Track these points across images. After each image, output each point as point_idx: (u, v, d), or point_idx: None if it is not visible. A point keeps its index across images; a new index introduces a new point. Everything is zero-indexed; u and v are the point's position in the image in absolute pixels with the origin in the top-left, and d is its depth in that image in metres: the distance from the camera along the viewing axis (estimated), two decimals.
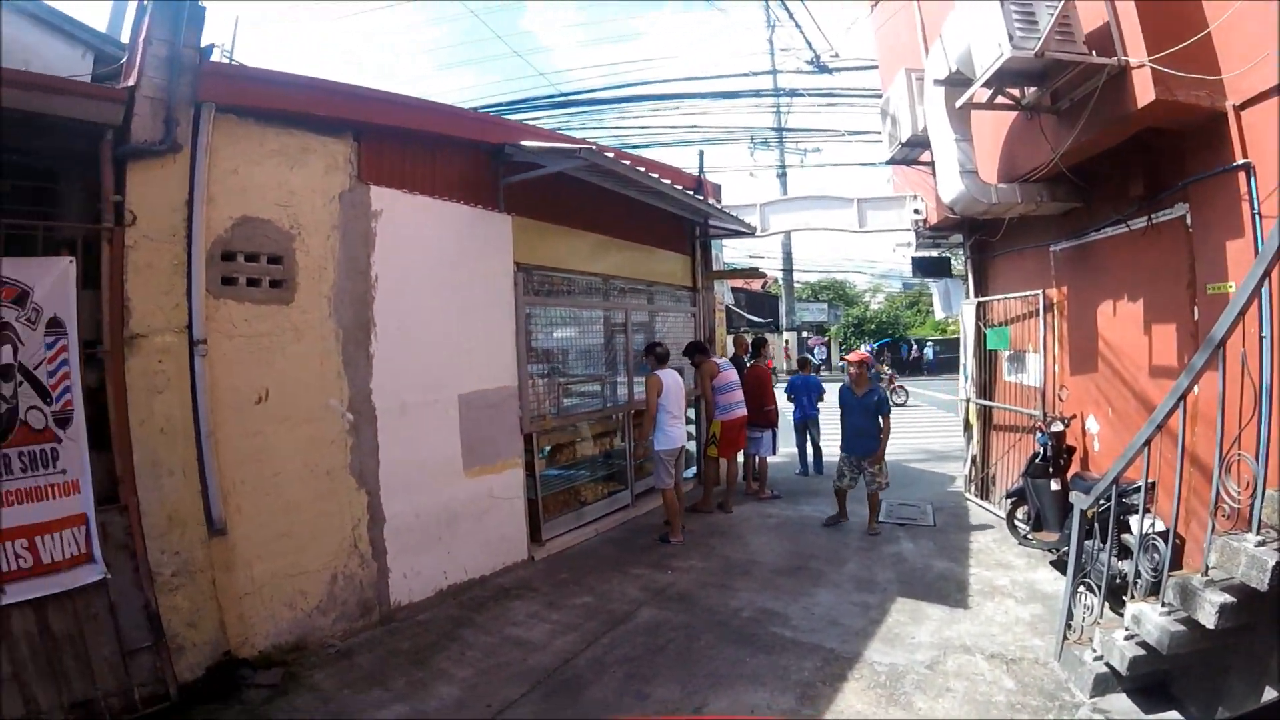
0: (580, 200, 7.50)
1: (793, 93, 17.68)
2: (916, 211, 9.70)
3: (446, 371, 6.02)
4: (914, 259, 11.68)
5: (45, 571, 3.88)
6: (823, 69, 15.51)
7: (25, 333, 3.85)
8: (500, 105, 13.92)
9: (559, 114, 14.65)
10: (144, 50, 4.31)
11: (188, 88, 4.45)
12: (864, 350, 10.11)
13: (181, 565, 4.39)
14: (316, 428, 5.09)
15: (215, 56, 5.36)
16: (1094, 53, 5.08)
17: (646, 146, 15.15)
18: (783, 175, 26.85)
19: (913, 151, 8.40)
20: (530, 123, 10.89)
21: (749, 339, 10.63)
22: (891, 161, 9.28)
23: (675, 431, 7.61)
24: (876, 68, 11.67)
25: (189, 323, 4.44)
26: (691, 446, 9.37)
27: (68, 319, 3.97)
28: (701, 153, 11.23)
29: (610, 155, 6.59)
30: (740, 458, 9.43)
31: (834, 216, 10.40)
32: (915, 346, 38.34)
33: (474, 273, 6.31)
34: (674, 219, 9.40)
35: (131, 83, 4.30)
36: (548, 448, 7.47)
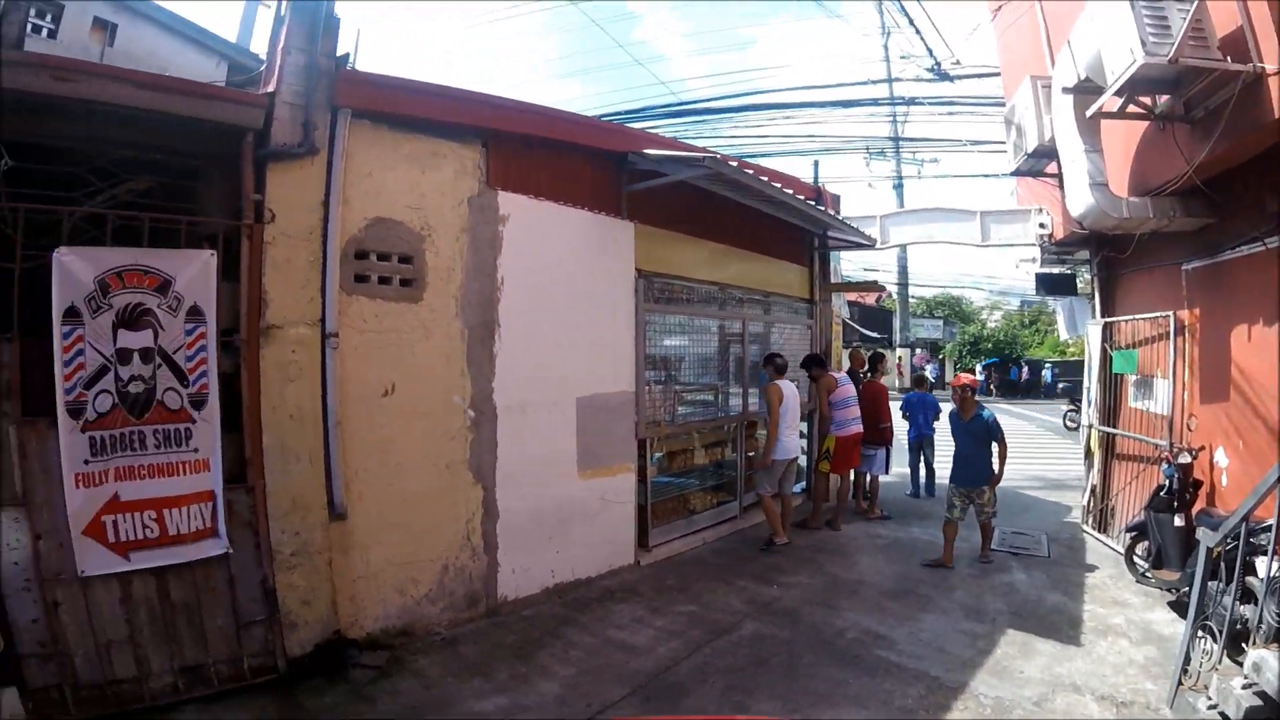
0: (700, 208, 7.27)
1: (911, 101, 16.86)
2: (1042, 226, 8.98)
3: (566, 374, 5.93)
4: (1038, 275, 10.82)
5: (170, 542, 4.01)
6: (943, 76, 14.58)
7: (166, 319, 3.99)
8: (616, 114, 13.77)
9: (675, 123, 14.38)
10: (283, 59, 4.45)
11: (324, 94, 4.56)
12: (971, 373, 9.32)
13: (301, 546, 4.46)
14: (439, 422, 5.11)
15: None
16: (1228, 59, 4.61)
17: (762, 156, 14.71)
18: (899, 186, 25.74)
19: (1039, 162, 7.86)
20: (646, 131, 10.69)
21: (865, 354, 10.08)
22: (1017, 173, 8.66)
23: (788, 441, 7.36)
24: (999, 75, 10.91)
25: (322, 317, 4.52)
26: (803, 461, 8.95)
27: (207, 308, 4.10)
28: (816, 162, 10.83)
29: (734, 164, 6.37)
30: (851, 475, 8.93)
31: (956, 230, 9.76)
32: (1026, 368, 35.68)
33: (596, 278, 6.20)
34: (792, 229, 9.03)
35: (271, 89, 4.43)
36: (659, 454, 7.26)
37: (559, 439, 5.90)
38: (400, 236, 4.92)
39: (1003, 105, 8.76)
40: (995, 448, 6.93)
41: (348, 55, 4.79)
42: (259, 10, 9.47)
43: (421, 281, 5.02)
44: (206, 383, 4.09)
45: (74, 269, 3.77)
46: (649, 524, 6.85)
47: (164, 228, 4.10)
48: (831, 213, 8.89)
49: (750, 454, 8.04)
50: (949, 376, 34.43)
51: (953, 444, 7.17)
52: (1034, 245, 9.37)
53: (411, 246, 4.97)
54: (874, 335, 30.93)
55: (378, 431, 4.80)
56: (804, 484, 9.38)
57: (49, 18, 6.14)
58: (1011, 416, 22.05)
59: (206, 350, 4.09)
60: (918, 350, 36.95)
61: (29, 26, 5.79)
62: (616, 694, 4.33)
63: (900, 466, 10.64)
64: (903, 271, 29.40)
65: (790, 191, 7.22)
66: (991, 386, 32.47)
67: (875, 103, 16.83)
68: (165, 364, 3.99)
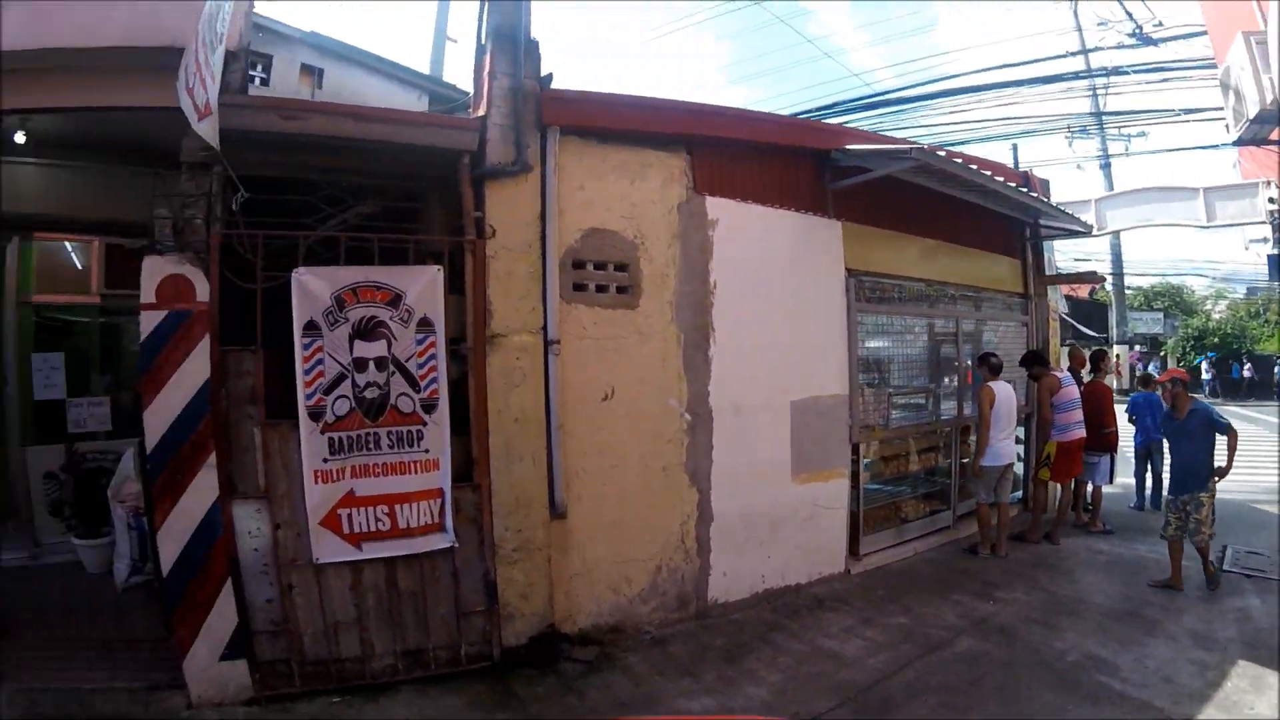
0: (905, 203, 6.76)
1: (1114, 70, 14.64)
2: (1271, 200, 7.52)
3: (780, 376, 5.69)
4: (1271, 257, 9.09)
5: (400, 535, 4.21)
6: (1145, 40, 12.62)
7: (398, 330, 4.20)
8: (805, 112, 13.06)
9: (866, 116, 13.42)
10: (490, 84, 4.59)
11: (532, 114, 4.66)
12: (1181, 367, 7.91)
13: (522, 542, 4.54)
14: (656, 425, 5.07)
15: None
16: None
17: (958, 144, 13.42)
18: (1106, 166, 22.58)
19: (1263, 129, 6.79)
20: (843, 126, 10.09)
21: (1085, 352, 8.94)
22: (1239, 143, 7.35)
23: (1003, 447, 6.68)
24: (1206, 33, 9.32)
25: (544, 325, 4.61)
26: (1020, 468, 8.03)
27: (436, 319, 4.27)
28: (1015, 146, 9.71)
29: (941, 154, 5.90)
30: (1072, 485, 7.96)
31: (1177, 210, 8.54)
32: (1250, 365, 30.10)
33: (805, 279, 5.90)
34: (1001, 220, 8.20)
35: (482, 112, 4.59)
36: (871, 459, 6.79)
37: (773, 442, 5.65)
38: (614, 245, 4.93)
39: (1214, 68, 7.45)
40: (1221, 440, 5.86)
41: (550, 75, 4.86)
42: (447, 45, 10.13)
43: (637, 288, 5.00)
44: (437, 388, 4.26)
45: (312, 287, 4.04)
46: (860, 531, 6.41)
47: (391, 247, 4.31)
48: (1043, 199, 8.02)
49: (964, 460, 7.34)
50: None
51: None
52: (1265, 223, 7.91)
53: (626, 254, 4.97)
54: (1090, 333, 27.50)
55: (597, 434, 4.83)
56: (1020, 493, 8.44)
57: (259, 67, 6.73)
58: (1237, 420, 18.91)
59: (436, 358, 4.26)
60: (1135, 347, 32.46)
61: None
62: (825, 704, 4.12)
63: (1125, 476, 9.32)
64: (1117, 260, 25.96)
65: (1000, 179, 6.57)
66: (1211, 385, 28.08)
67: (1075, 76, 14.84)
68: (399, 371, 4.19)
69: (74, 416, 6.32)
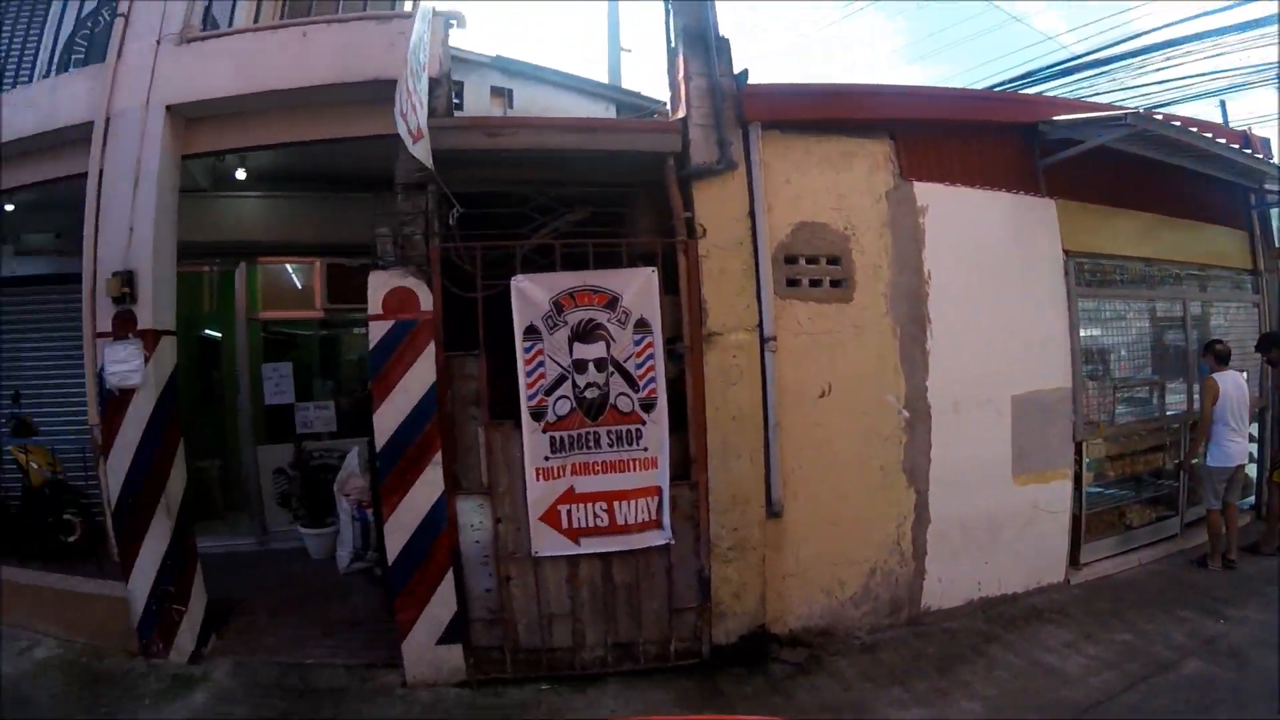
0: (1117, 175, 5.96)
1: None
2: None
3: (998, 369, 5.18)
4: None
5: (617, 531, 4.22)
6: None
7: (616, 331, 4.19)
8: (997, 85, 11.93)
9: (1061, 84, 12.04)
10: (685, 85, 4.53)
11: (732, 111, 4.56)
12: None
13: (738, 541, 4.41)
14: (872, 422, 4.77)
15: None
16: None
17: (1163, 105, 11.80)
18: None
19: None
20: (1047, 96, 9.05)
21: None
22: None
23: (1232, 446, 5.80)
24: None
25: (759, 322, 4.47)
26: (1252, 470, 6.92)
27: (652, 319, 4.24)
28: (1222, 103, 8.39)
29: (1158, 118, 5.21)
30: None
31: None
32: None
33: (1019, 264, 5.35)
34: (1222, 187, 7.09)
35: (681, 114, 4.55)
36: (1092, 460, 6.04)
37: (992, 440, 5.15)
38: (825, 238, 4.68)
39: None
40: None
41: (746, 72, 4.69)
42: (621, 55, 10.08)
43: (850, 281, 4.72)
44: (655, 388, 4.22)
45: (530, 293, 4.13)
46: (1081, 538, 5.75)
47: (603, 251, 4.30)
48: (1269, 160, 6.86)
49: (1194, 460, 6.43)
50: None
51: None
52: None
53: (837, 247, 4.71)
54: None
55: (814, 431, 4.61)
56: (1253, 498, 7.32)
57: (452, 93, 6.92)
58: None
59: (654, 358, 4.21)
60: None
61: None
62: None
63: None
64: None
65: (1223, 141, 5.76)
66: None
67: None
68: (617, 371, 4.19)
69: (301, 419, 6.82)
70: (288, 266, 7.17)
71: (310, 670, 4.37)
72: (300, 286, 7.28)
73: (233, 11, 5.30)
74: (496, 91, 6.80)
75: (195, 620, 4.60)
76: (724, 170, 4.44)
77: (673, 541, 4.24)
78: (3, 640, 4.85)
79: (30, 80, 5.35)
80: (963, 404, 4.97)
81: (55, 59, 5.36)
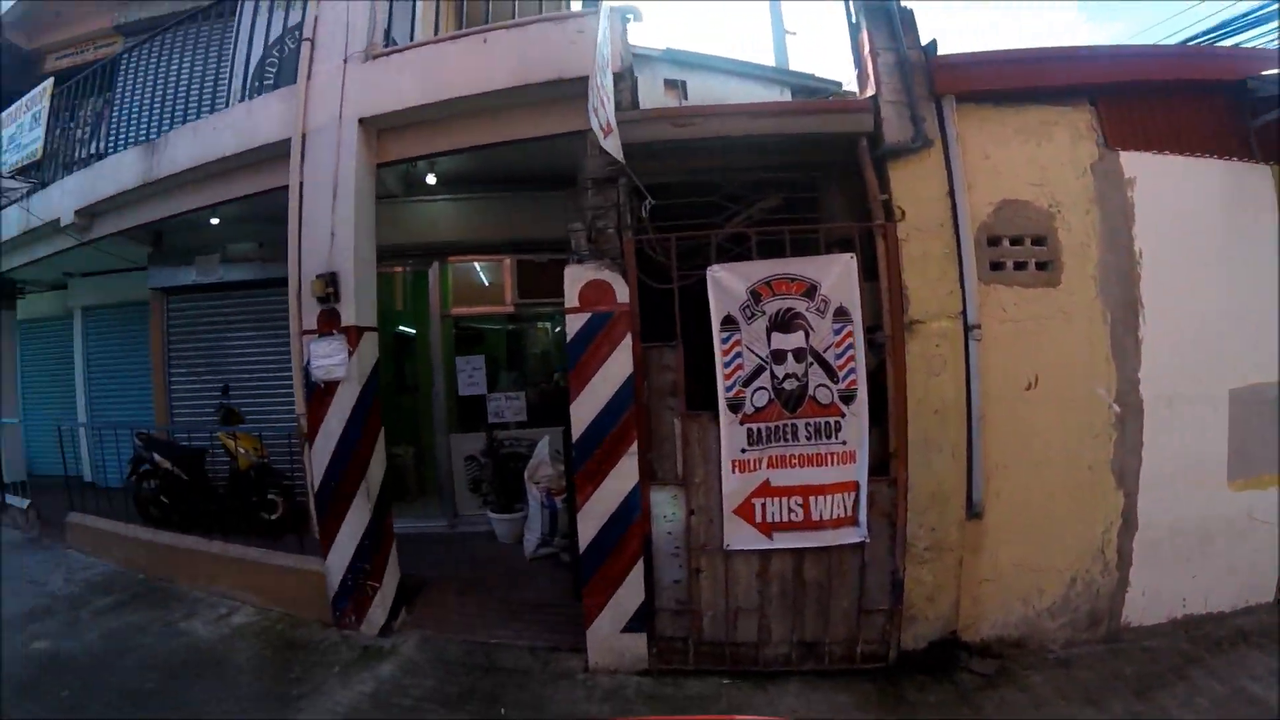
0: None
1: None
2: None
3: (1215, 360, 4.60)
4: None
5: (811, 527, 4.04)
6: None
7: (815, 320, 4.00)
8: (1190, 39, 10.67)
9: (1257, 33, 10.66)
10: (872, 61, 4.31)
11: (923, 85, 4.29)
12: None
13: (934, 541, 4.13)
14: (1081, 417, 4.30)
15: None
16: None
17: None
18: None
19: None
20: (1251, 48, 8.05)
21: None
22: None
23: None
24: None
25: (962, 308, 4.12)
26: None
27: (852, 308, 4.01)
28: None
29: None
30: None
31: None
32: None
33: (1238, 240, 4.71)
34: None
35: (870, 92, 4.31)
36: None
37: (1207, 439, 4.58)
38: (1029, 217, 4.27)
39: None
40: None
41: (934, 42, 4.35)
42: (786, 39, 9.80)
43: (1057, 262, 4.28)
44: (855, 379, 3.99)
45: (727, 283, 4.01)
46: None
47: (796, 238, 4.12)
48: None
49: None
50: None
51: None
52: None
53: (1042, 226, 4.28)
54: None
55: (1018, 426, 4.21)
56: None
57: (635, 86, 6.85)
58: None
59: (854, 348, 3.99)
60: None
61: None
62: None
63: None
64: None
65: None
66: None
67: None
68: (817, 362, 4.00)
69: (493, 409, 7.00)
70: (476, 264, 7.41)
71: (495, 649, 4.44)
72: (488, 283, 7.50)
73: (413, 25, 5.47)
74: (670, 84, 6.70)
75: (387, 596, 4.76)
76: (920, 148, 4.16)
77: (868, 540, 4.02)
78: (205, 605, 5.21)
79: (226, 106, 5.70)
80: (1176, 398, 4.45)
81: (247, 84, 5.69)
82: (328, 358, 4.65)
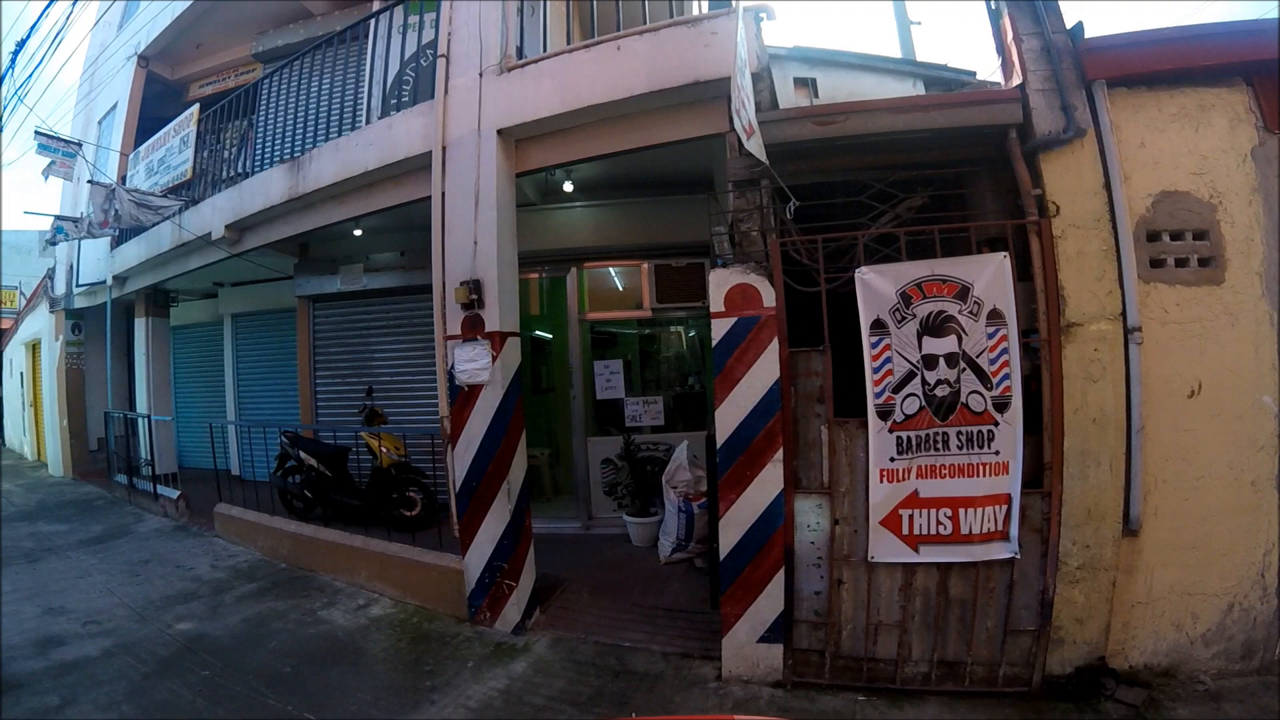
0: None
1: None
2: None
3: None
4: None
5: (959, 540, 3.82)
6: None
7: (968, 324, 3.79)
8: None
9: None
10: (1016, 48, 4.10)
11: (1070, 71, 4.01)
12: None
13: (1088, 560, 3.82)
14: (1245, 428, 3.93)
15: None
16: None
17: None
18: None
19: None
20: None
21: None
22: None
23: None
24: None
25: (1122, 310, 3.83)
26: None
27: (1006, 310, 3.77)
28: None
29: None
30: None
31: None
32: None
33: None
34: None
35: (1017, 81, 4.09)
36: None
37: None
38: (1189, 209, 3.94)
39: None
40: None
41: (1081, 24, 4.08)
42: (911, 29, 9.52)
43: (1220, 259, 3.94)
44: (1009, 385, 3.75)
45: (876, 285, 3.85)
46: None
47: (944, 238, 3.89)
48: None
49: None
50: None
51: None
52: None
53: (1204, 219, 3.95)
54: None
55: (1180, 438, 3.88)
56: None
57: (773, 86, 6.73)
58: None
59: (1009, 353, 3.75)
60: None
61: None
62: None
63: None
64: None
65: None
66: None
67: None
68: (969, 368, 3.78)
69: (630, 413, 7.02)
70: (611, 270, 7.45)
71: (627, 652, 4.42)
72: (624, 288, 7.53)
73: (544, 35, 5.52)
74: (800, 82, 6.55)
75: (523, 595, 4.82)
76: (1072, 138, 3.90)
77: (1018, 556, 3.78)
78: (343, 596, 5.38)
79: (365, 122, 5.86)
80: None
81: (384, 101, 5.84)
82: (472, 362, 4.74)
